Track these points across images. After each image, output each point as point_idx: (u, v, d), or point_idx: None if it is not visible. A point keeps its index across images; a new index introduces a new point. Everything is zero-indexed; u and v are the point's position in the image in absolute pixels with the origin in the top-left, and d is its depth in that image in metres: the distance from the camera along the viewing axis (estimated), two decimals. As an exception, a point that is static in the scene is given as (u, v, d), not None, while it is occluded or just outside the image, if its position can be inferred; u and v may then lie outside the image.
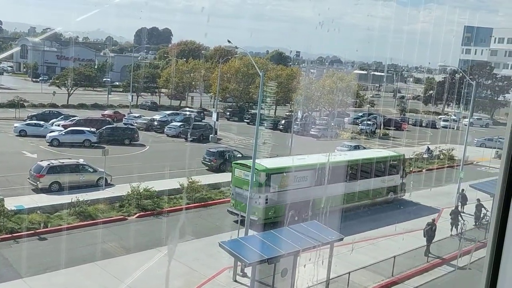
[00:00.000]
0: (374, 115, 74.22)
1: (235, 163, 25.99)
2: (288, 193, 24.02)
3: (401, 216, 26.57)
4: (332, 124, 65.17)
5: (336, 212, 23.08)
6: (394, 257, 19.83)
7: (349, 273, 18.09)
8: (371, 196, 28.58)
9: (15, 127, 44.86)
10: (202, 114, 63.63)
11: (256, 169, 21.54)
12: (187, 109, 68.75)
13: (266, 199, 23.48)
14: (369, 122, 65.62)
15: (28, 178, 27.73)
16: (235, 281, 18.20)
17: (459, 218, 24.86)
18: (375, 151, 34.90)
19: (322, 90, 65.70)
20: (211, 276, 18.36)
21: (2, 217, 21.38)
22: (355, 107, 78.96)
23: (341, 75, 71.34)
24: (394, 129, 67.38)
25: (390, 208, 28.99)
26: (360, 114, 76.39)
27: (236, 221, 21.50)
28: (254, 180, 21.54)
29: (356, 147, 43.95)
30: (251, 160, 21.07)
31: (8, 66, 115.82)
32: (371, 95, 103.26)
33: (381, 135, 61.87)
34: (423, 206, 29.94)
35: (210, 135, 49.14)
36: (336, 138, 56.33)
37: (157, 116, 57.52)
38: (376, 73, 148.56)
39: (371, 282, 18.94)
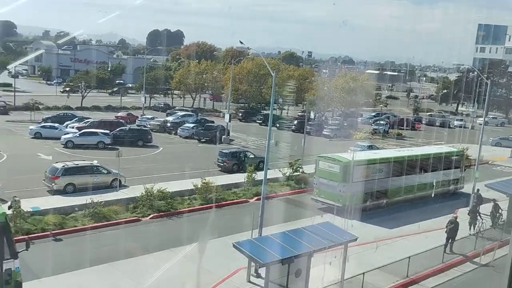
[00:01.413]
0: (387, 114, 73.81)
1: (319, 156, 28.97)
2: (367, 183, 27.64)
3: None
4: (345, 124, 64.92)
5: (408, 200, 29.60)
6: (408, 257, 19.67)
7: (363, 273, 17.99)
8: (438, 187, 30.64)
9: (30, 129, 45.40)
10: (196, 114, 63.53)
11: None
12: (177, 108, 68.51)
13: (349, 188, 26.75)
14: (382, 122, 65.25)
15: (44, 180, 28.03)
16: (249, 281, 18.21)
17: (478, 217, 24.89)
18: (439, 147, 37.29)
19: (334, 90, 65.50)
20: (225, 277, 18.39)
21: (19, 218, 21.63)
22: (369, 107, 78.60)
23: (354, 75, 71.03)
24: (408, 129, 66.90)
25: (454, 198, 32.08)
26: (373, 114, 76.00)
27: (320, 208, 26.99)
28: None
29: (370, 147, 43.70)
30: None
31: (23, 69, 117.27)
32: (385, 95, 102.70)
33: (395, 134, 61.45)
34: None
35: (223, 136, 49.25)
36: (349, 139, 56.08)
37: (170, 118, 57.82)
38: (389, 72, 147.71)
39: (388, 283, 18.82)
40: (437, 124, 75.89)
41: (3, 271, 14.16)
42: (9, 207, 22.18)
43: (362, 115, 74.64)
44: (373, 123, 66.36)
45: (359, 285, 17.91)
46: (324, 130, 57.91)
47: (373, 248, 22.01)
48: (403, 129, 65.91)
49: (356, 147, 44.99)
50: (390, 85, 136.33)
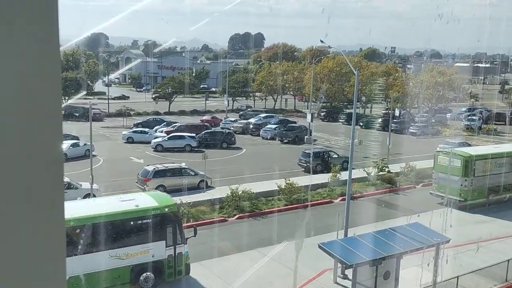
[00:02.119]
0: (480, 109, 69.63)
1: (437, 151, 30.44)
2: (488, 177, 27.91)
3: None
4: (433, 120, 62.19)
5: None
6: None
7: (457, 277, 17.12)
8: None
9: (123, 134, 48.12)
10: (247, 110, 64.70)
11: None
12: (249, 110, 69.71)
13: (471, 182, 27.37)
14: (474, 117, 61.68)
15: (136, 182, 29.60)
16: (336, 283, 18.00)
17: None
18: None
19: (420, 85, 62.98)
20: (311, 278, 18.32)
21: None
22: (458, 102, 74.68)
23: (441, 69, 67.86)
24: (503, 124, 62.71)
25: None
26: (464, 109, 72.06)
27: (440, 203, 26.80)
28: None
29: (461, 145, 41.50)
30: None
31: (115, 78, 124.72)
32: (477, 89, 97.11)
33: (489, 130, 57.82)
34: None
35: (305, 136, 49.12)
36: (437, 136, 53.64)
37: (252, 120, 58.69)
38: (480, 65, 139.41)
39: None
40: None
41: (176, 254, 17.36)
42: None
43: (452, 111, 71.06)
44: (464, 118, 62.94)
45: (452, 289, 17.08)
46: (410, 127, 55.87)
47: (471, 250, 20.88)
48: (498, 124, 61.85)
49: (446, 144, 42.98)
50: (482, 78, 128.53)
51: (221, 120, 59.65)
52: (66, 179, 26.16)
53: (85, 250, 15.89)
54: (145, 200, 18.18)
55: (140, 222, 17.14)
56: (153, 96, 73.39)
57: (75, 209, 16.34)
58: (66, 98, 63.77)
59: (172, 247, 17.41)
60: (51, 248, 0.93)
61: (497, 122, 62.02)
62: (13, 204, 0.88)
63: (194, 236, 17.82)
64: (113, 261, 16.40)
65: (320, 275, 18.74)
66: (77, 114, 57.97)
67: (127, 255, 16.62)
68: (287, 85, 79.19)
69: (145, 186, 28.71)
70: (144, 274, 17.01)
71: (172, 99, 72.15)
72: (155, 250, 17.12)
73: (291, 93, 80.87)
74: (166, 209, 17.61)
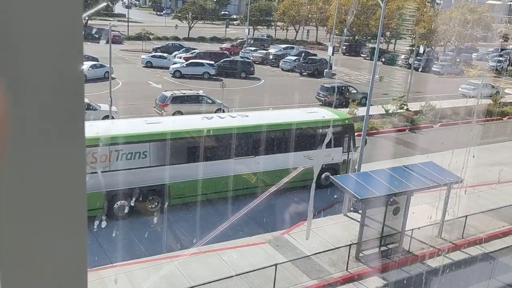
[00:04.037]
0: (508, 50, 67.29)
1: None
2: None
3: None
4: (458, 60, 60.49)
5: None
6: None
7: (466, 216, 17.39)
8: None
9: (142, 58, 47.92)
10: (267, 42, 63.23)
11: None
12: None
13: None
14: (500, 59, 59.78)
15: (154, 107, 29.83)
16: (345, 215, 18.45)
17: None
18: None
19: (448, 22, 60.68)
20: (322, 209, 18.77)
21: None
22: (486, 42, 72.18)
23: (472, 6, 64.98)
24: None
25: None
26: (491, 49, 69.69)
27: None
28: None
29: (484, 86, 40.58)
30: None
31: (136, 0, 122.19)
32: (507, 29, 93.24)
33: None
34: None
35: (325, 70, 48.37)
36: (461, 76, 52.40)
37: (272, 50, 57.70)
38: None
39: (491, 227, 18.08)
40: None
41: (348, 159, 20.88)
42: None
43: (478, 51, 68.86)
44: (491, 59, 61.07)
45: (460, 228, 17.40)
46: (434, 66, 54.52)
47: (487, 190, 21.05)
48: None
49: (469, 85, 42.06)
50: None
51: (241, 48, 58.77)
52: (85, 100, 26.42)
53: (286, 151, 19.25)
54: (326, 113, 21.75)
55: (325, 130, 20.04)
56: (172, 19, 71.97)
57: (280, 115, 20.54)
58: (86, 18, 63.04)
59: (346, 153, 20.84)
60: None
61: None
62: (31, 121, 0.89)
63: (364, 145, 20.36)
64: (305, 161, 19.60)
65: (331, 206, 19.19)
66: (96, 36, 57.48)
67: (315, 156, 19.85)
68: (310, 15, 76.86)
69: (162, 111, 28.93)
70: (324, 174, 20.15)
71: (192, 25, 70.89)
72: (334, 155, 20.60)
73: (314, 24, 78.66)
74: (346, 121, 21.26)
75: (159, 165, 17.10)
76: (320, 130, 20.21)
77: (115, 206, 16.93)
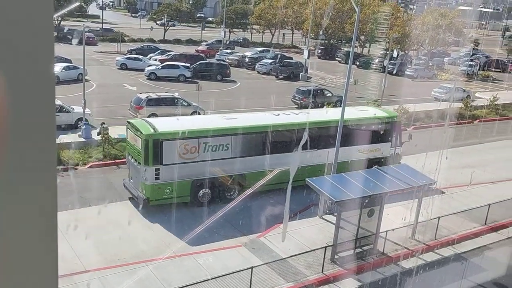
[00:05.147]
0: (478, 55, 68.90)
1: None
2: None
3: None
4: (430, 64, 61.63)
5: None
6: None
7: (438, 217, 17.69)
8: None
9: (116, 60, 47.38)
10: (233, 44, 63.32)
11: None
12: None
13: None
14: (471, 63, 61.16)
15: (129, 109, 29.50)
16: (321, 217, 18.56)
17: None
18: None
19: (421, 27, 61.80)
20: (297, 211, 18.84)
21: (107, 144, 23.15)
22: (458, 47, 73.75)
23: (444, 11, 66.35)
24: (499, 71, 62.35)
25: None
26: (462, 54, 71.26)
27: None
28: None
29: (456, 90, 41.42)
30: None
31: (110, 1, 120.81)
32: (476, 34, 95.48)
33: (482, 77, 57.57)
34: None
35: (301, 73, 48.66)
36: (434, 79, 53.40)
37: (248, 53, 57.77)
38: (483, 9, 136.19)
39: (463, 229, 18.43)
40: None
41: (395, 153, 22.60)
42: (98, 133, 23.77)
43: (450, 55, 70.29)
44: (462, 63, 62.41)
45: (433, 229, 17.68)
46: (408, 70, 55.43)
47: (459, 192, 21.45)
48: (494, 71, 61.46)
49: (441, 88, 42.87)
50: (484, 23, 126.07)
51: (217, 51, 58.67)
52: (58, 102, 25.99)
53: (344, 145, 19.84)
54: (376, 111, 23.73)
55: (377, 126, 22.12)
56: (148, 21, 71.40)
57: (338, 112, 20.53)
58: (59, 19, 62.04)
59: (394, 148, 22.58)
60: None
61: (495, 70, 61.56)
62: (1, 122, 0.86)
63: (409, 140, 22.75)
64: (359, 154, 21.39)
65: (306, 209, 19.27)
66: (70, 37, 56.60)
67: (368, 151, 21.86)
68: (286, 19, 77.25)
69: (137, 113, 28.62)
70: (374, 167, 20.99)
71: (168, 27, 70.47)
72: (384, 149, 22.43)
73: (290, 27, 79.07)
74: (395, 118, 23.21)
75: (238, 156, 18.83)
76: (373, 127, 22.20)
77: (199, 193, 18.58)
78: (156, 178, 17.64)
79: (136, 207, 18.34)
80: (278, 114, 21.41)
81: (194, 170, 18.09)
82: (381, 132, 22.15)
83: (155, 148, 17.46)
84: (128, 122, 19.39)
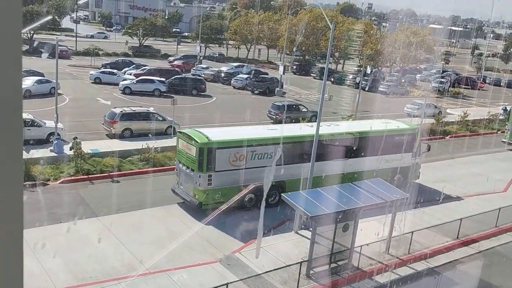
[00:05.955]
0: (448, 72, 70.66)
1: None
2: None
3: None
4: (403, 81, 62.86)
5: None
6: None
7: (412, 232, 17.87)
8: None
9: (90, 74, 46.83)
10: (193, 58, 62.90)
11: None
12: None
13: None
14: (442, 80, 62.64)
15: (103, 124, 29.12)
16: (296, 233, 18.54)
17: None
18: None
19: (394, 44, 63.15)
20: (273, 227, 18.78)
21: (80, 159, 22.75)
22: (429, 64, 75.49)
23: (415, 29, 68.02)
24: (469, 88, 64.00)
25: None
26: (433, 71, 72.98)
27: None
28: None
29: (427, 106, 42.30)
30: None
31: (84, 15, 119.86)
32: (447, 52, 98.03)
33: (453, 93, 58.99)
34: None
35: (276, 89, 48.99)
36: (406, 96, 54.44)
37: (224, 68, 57.93)
38: (453, 27, 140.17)
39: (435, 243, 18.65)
40: (501, 84, 72.08)
41: (415, 163, 24.02)
42: (70, 148, 23.36)
43: (421, 72, 71.88)
44: (433, 80, 63.86)
45: (406, 244, 17.85)
46: (381, 86, 56.39)
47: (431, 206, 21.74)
48: (465, 88, 63.07)
49: (413, 104, 43.71)
50: (454, 41, 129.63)
51: (192, 66, 58.63)
52: (29, 116, 25.47)
53: (367, 155, 22.09)
54: (398, 124, 25.43)
55: (400, 138, 23.62)
56: (123, 35, 71.01)
57: (365, 125, 23.65)
58: (31, 32, 61.17)
59: (414, 158, 23.92)
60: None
61: (465, 86, 63.18)
62: None
63: (427, 151, 24.50)
64: (383, 163, 22.43)
65: (281, 224, 19.24)
66: (42, 50, 55.80)
67: (391, 160, 23.11)
68: (261, 35, 77.97)
69: (111, 128, 28.30)
70: (396, 176, 23.21)
71: (143, 42, 70.23)
72: (405, 159, 23.59)
73: (265, 43, 79.83)
74: (416, 130, 24.55)
75: (279, 164, 19.46)
76: (398, 138, 23.75)
77: (245, 198, 19.77)
78: (209, 184, 19.03)
79: (104, 223, 17.97)
80: (312, 126, 22.43)
81: (242, 177, 19.41)
82: (403, 143, 23.43)
83: (208, 156, 18.90)
84: (180, 132, 20.94)
